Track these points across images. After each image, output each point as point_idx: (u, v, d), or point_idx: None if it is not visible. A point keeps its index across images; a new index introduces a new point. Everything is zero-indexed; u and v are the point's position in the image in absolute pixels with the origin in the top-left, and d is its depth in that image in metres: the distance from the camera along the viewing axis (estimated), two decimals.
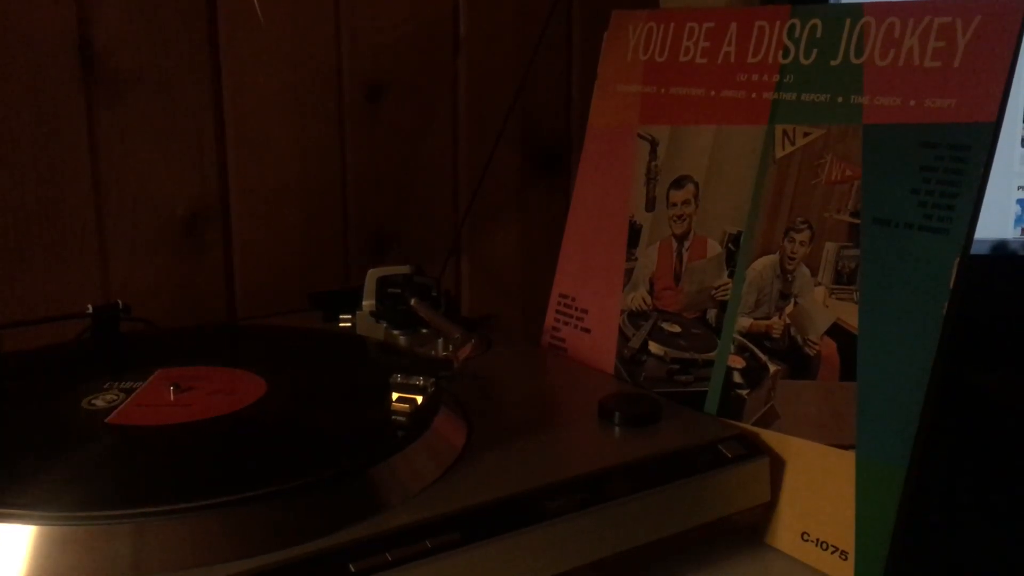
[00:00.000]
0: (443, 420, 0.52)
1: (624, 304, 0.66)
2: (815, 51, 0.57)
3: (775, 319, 0.57)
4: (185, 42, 0.76)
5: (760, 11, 0.61)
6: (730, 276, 0.60)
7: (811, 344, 0.55)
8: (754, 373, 0.57)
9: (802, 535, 0.54)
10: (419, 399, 0.51)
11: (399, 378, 0.52)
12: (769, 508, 0.55)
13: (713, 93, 0.62)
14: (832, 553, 0.52)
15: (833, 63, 0.56)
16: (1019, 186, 0.74)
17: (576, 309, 0.69)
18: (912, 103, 0.52)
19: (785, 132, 0.58)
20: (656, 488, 0.49)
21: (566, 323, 0.70)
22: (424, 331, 0.68)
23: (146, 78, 0.75)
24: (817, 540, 0.53)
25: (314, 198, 0.84)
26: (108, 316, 0.65)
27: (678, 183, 0.64)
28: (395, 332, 0.68)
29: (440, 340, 0.66)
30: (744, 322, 0.58)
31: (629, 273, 0.66)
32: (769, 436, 0.56)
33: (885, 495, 0.50)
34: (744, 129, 0.60)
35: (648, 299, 0.65)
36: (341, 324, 0.71)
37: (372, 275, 0.70)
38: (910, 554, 0.51)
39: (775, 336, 0.57)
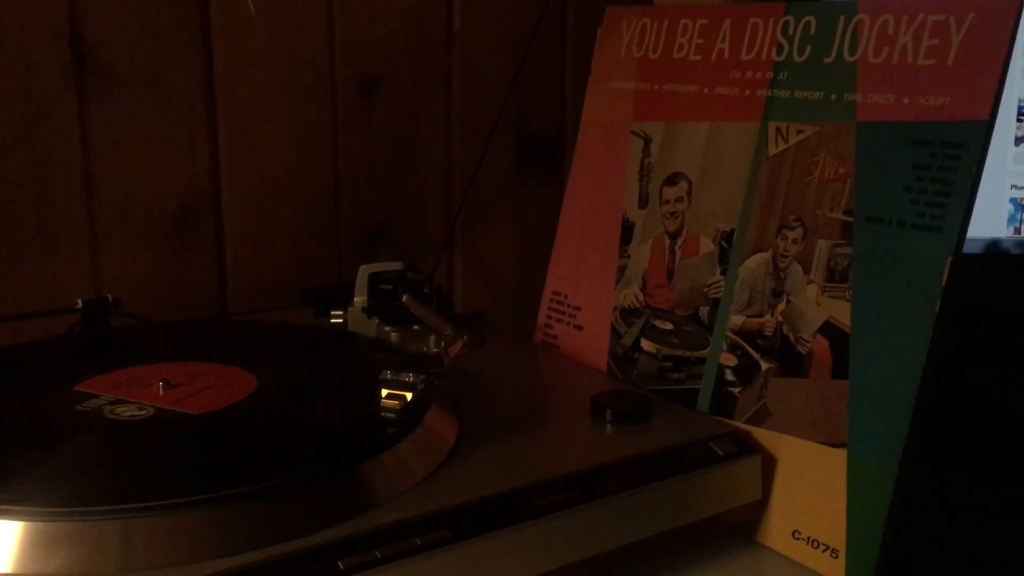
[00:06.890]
0: (434, 417, 0.51)
1: (617, 301, 0.66)
2: (809, 48, 0.57)
3: (767, 317, 0.57)
4: (177, 36, 0.76)
5: (754, 8, 0.60)
6: (723, 274, 0.60)
7: (803, 342, 0.55)
8: (746, 371, 0.57)
9: (793, 533, 0.54)
10: (409, 396, 0.51)
11: (389, 374, 0.52)
12: (760, 506, 0.55)
13: (707, 90, 0.62)
14: (823, 551, 0.52)
15: (827, 60, 0.56)
16: (1012, 185, 0.74)
17: (569, 306, 0.69)
18: (905, 101, 0.52)
19: (779, 129, 0.58)
20: (647, 486, 0.49)
21: (559, 320, 0.70)
22: (416, 327, 0.68)
23: (138, 72, 0.75)
24: (808, 538, 0.53)
25: (306, 193, 0.84)
26: (98, 311, 0.65)
27: (671, 180, 0.64)
28: (387, 328, 0.68)
29: (432, 337, 0.66)
30: (736, 320, 0.58)
31: (622, 270, 0.66)
32: (761, 434, 0.56)
33: (876, 493, 0.50)
34: (738, 126, 0.60)
35: (641, 296, 0.64)
36: (333, 320, 0.71)
37: (364, 271, 0.69)
38: (901, 552, 0.51)
39: (767, 334, 0.57)
